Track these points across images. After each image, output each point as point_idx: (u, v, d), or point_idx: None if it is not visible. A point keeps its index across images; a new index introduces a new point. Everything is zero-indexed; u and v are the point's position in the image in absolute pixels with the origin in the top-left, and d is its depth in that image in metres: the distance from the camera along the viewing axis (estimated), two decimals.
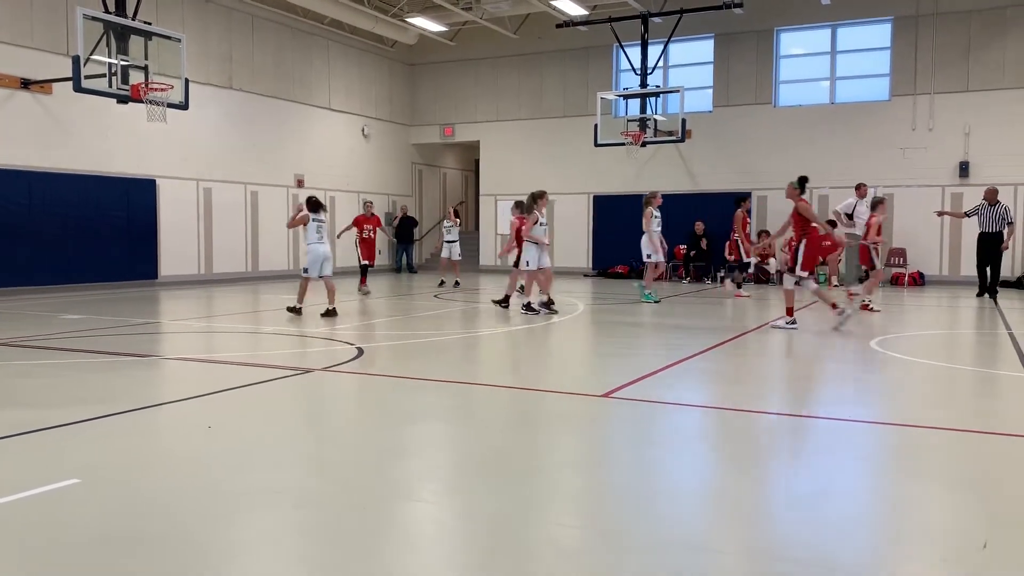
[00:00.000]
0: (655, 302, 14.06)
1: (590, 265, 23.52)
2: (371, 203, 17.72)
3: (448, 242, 18.47)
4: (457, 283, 17.97)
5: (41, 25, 15.66)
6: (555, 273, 23.77)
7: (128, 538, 3.41)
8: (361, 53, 24.08)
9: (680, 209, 21.83)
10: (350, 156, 23.90)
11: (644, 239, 14.51)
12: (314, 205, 11.86)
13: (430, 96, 26.09)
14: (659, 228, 14.51)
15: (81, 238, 16.33)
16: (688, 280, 20.74)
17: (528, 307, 12.26)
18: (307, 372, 7.34)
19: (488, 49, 24.54)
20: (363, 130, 24.33)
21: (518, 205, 13.44)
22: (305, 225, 11.77)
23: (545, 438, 5.31)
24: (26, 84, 15.41)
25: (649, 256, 14.53)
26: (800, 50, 21.59)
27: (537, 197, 12.28)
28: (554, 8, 20.65)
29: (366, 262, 16.31)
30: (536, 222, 12.23)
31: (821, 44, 21.24)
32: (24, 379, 7.14)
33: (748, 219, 16.48)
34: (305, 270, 12.02)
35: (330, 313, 11.52)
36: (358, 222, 16.40)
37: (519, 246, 12.65)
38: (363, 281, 16.26)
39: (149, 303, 14.22)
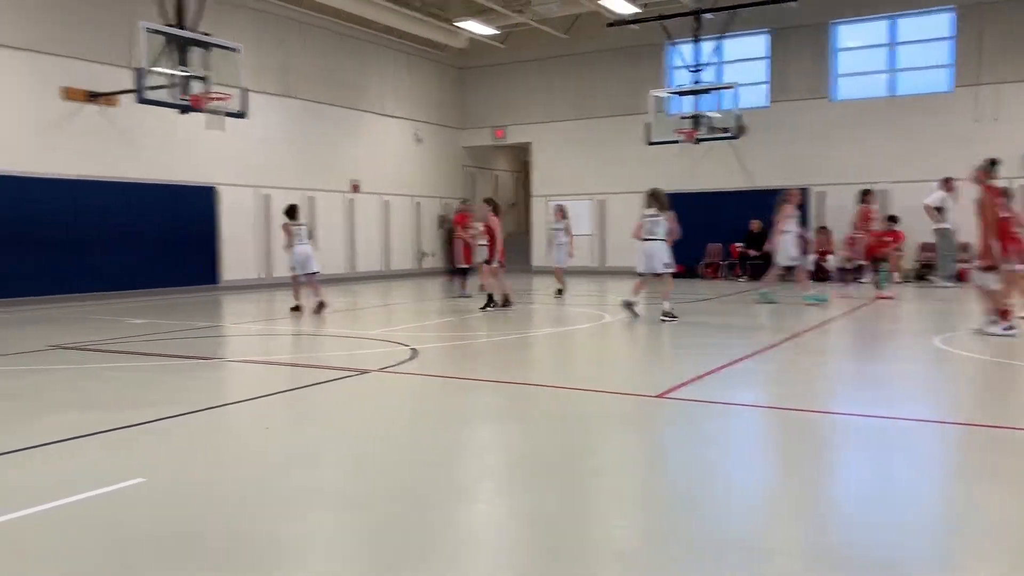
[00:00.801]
0: (821, 301, 13.14)
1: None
2: (468, 200, 17.28)
3: (558, 244, 16.02)
4: (560, 292, 15.69)
5: (106, 40, 16.16)
6: (608, 274, 23.79)
7: (190, 536, 3.51)
8: (413, 58, 24.31)
9: (735, 207, 21.56)
10: (403, 160, 24.15)
11: (785, 240, 13.45)
12: (290, 212, 13.21)
13: (481, 99, 26.21)
14: (795, 228, 13.52)
15: (145, 244, 16.80)
16: (745, 279, 20.44)
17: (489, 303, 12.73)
18: (363, 373, 7.44)
19: (538, 50, 24.55)
20: (415, 134, 24.56)
21: (488, 201, 13.44)
22: (290, 233, 13.00)
23: (600, 439, 5.30)
24: (93, 97, 15.92)
25: (790, 257, 13.44)
26: (857, 43, 21.11)
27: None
28: (604, 7, 20.56)
29: (465, 265, 15.71)
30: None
31: (879, 36, 20.75)
32: (93, 382, 7.38)
33: (872, 214, 14.69)
34: (293, 269, 13.17)
35: (320, 307, 12.69)
36: (458, 221, 16.03)
37: (492, 243, 12.88)
38: (463, 284, 15.73)
39: (211, 307, 14.56)
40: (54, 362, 8.33)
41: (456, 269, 15.92)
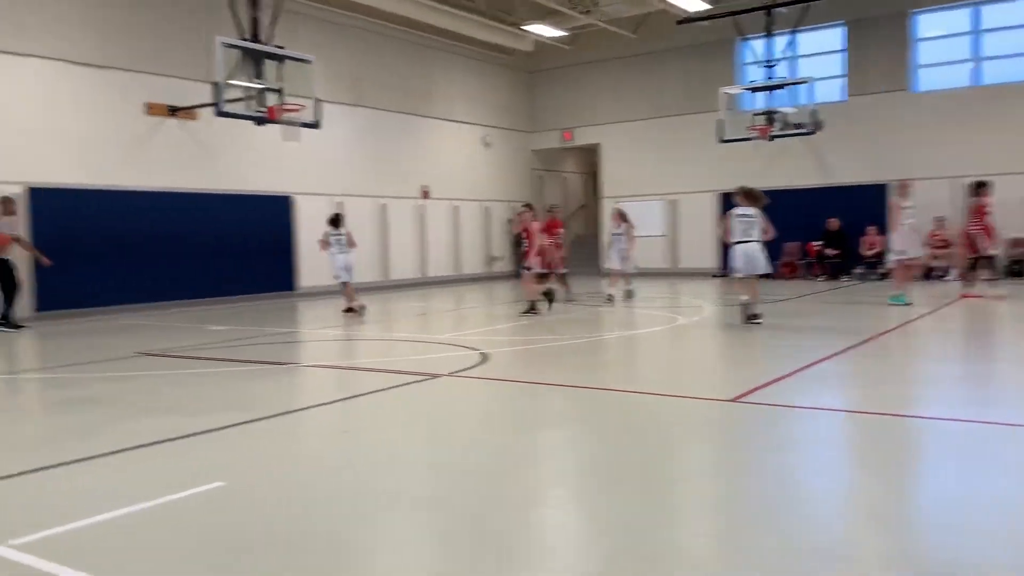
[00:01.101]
0: (906, 304, 12.40)
1: (718, 265, 22.96)
2: (557, 206, 16.67)
3: (619, 249, 15.64)
4: (611, 297, 15.10)
5: (185, 55, 16.73)
6: (681, 275, 23.48)
7: (268, 538, 3.58)
8: (481, 63, 24.46)
9: (812, 204, 21.04)
10: (472, 165, 24.31)
11: (894, 234, 12.88)
12: (332, 221, 14.05)
13: (549, 101, 26.20)
14: (912, 220, 12.86)
15: (225, 253, 17.31)
16: (823, 278, 19.91)
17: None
18: (434, 377, 7.50)
19: (606, 51, 24.41)
20: (484, 139, 24.70)
21: (528, 207, 13.30)
22: (328, 241, 13.91)
23: (673, 444, 5.21)
24: (173, 111, 16.50)
25: (903, 252, 12.76)
26: (938, 32, 20.35)
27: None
28: (673, 5, 20.32)
29: (548, 270, 15.00)
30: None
31: (961, 24, 19.96)
32: (176, 387, 7.62)
33: (986, 208, 13.64)
34: (336, 276, 14.13)
35: (352, 311, 13.61)
36: (546, 228, 15.36)
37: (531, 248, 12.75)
38: (566, 287, 15.21)
39: (288, 313, 14.91)
40: (140, 368, 8.64)
41: (543, 274, 15.60)
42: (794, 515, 3.74)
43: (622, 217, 15.55)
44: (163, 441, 5.32)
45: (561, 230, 15.29)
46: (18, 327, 12.68)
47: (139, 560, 3.36)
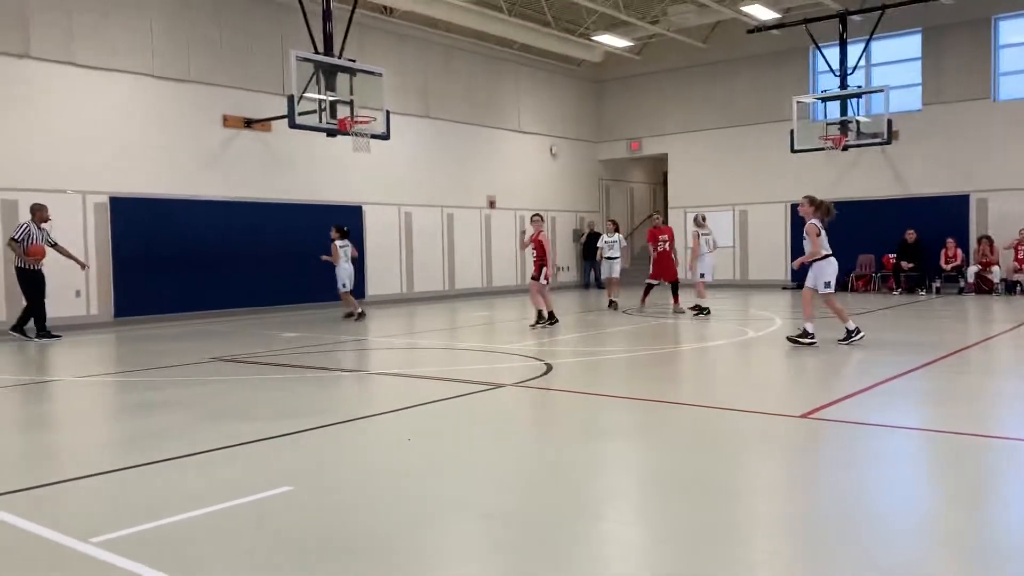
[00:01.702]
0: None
1: (789, 277, 22.50)
2: (658, 214, 16.50)
3: (609, 258, 16.31)
4: (612, 304, 15.68)
5: (261, 69, 17.22)
6: (751, 287, 23.07)
7: (333, 543, 3.65)
8: (549, 74, 24.54)
9: (888, 216, 20.48)
10: (538, 175, 24.37)
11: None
12: (341, 232, 15.08)
13: (617, 111, 26.11)
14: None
15: (297, 262, 17.69)
16: (899, 292, 19.33)
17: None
18: (498, 387, 7.53)
19: (675, 60, 24.23)
20: (551, 149, 24.74)
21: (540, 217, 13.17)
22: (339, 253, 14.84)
23: (739, 459, 5.12)
24: (249, 124, 16.99)
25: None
26: (1023, 38, 19.61)
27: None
28: (744, 14, 20.07)
29: (657, 281, 15.18)
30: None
31: None
32: (248, 392, 7.83)
33: None
34: (344, 285, 15.00)
35: (360, 316, 14.77)
36: (651, 237, 15.43)
37: (541, 258, 12.63)
38: (675, 299, 14.96)
39: (356, 321, 15.15)
40: (214, 373, 8.90)
41: (650, 284, 15.25)
42: (864, 535, 3.64)
43: (616, 227, 16.39)
44: (236, 445, 5.47)
45: (664, 237, 15.05)
46: (44, 336, 12.61)
47: (209, 560, 3.46)
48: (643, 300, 15.16)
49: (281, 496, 4.32)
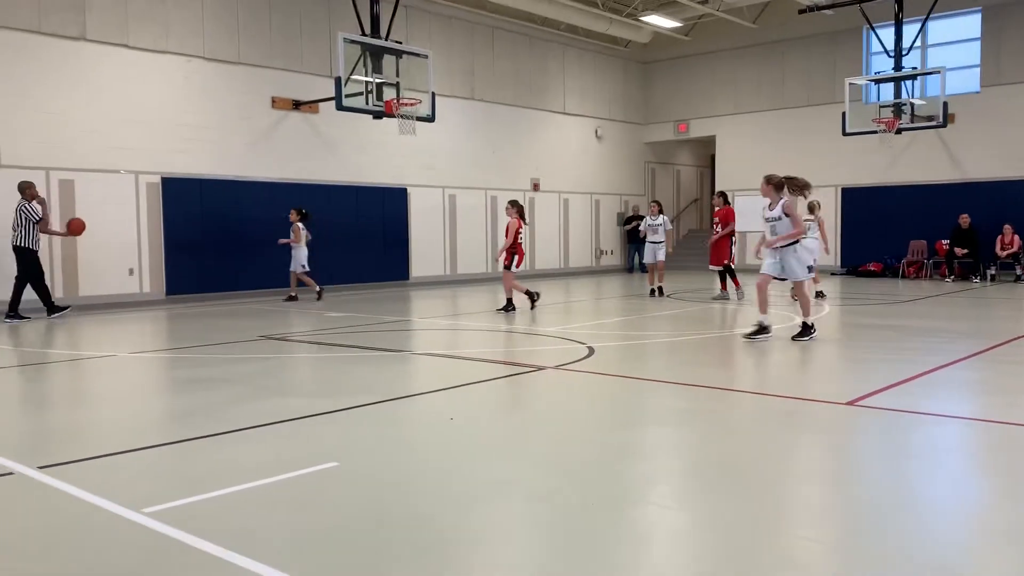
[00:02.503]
0: None
1: (838, 263, 22.13)
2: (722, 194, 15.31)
3: (652, 242, 15.47)
4: (655, 291, 15.20)
5: (309, 51, 17.38)
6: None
7: (378, 518, 3.71)
8: (595, 55, 24.34)
9: (942, 201, 20.01)
10: (583, 158, 24.24)
11: None
12: (302, 215, 15.03)
13: (664, 93, 25.82)
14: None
15: (343, 243, 17.90)
16: (952, 279, 18.88)
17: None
18: (540, 369, 7.55)
19: (725, 41, 23.86)
20: (596, 131, 24.58)
21: (513, 204, 12.87)
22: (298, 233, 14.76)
23: (784, 446, 5.08)
24: (297, 105, 17.16)
25: None
26: None
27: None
28: None
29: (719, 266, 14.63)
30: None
31: None
32: (296, 370, 7.97)
33: None
34: (304, 266, 15.12)
35: (300, 295, 15.31)
36: (725, 218, 14.69)
37: (513, 248, 12.51)
38: (723, 286, 14.66)
39: (401, 302, 15.30)
40: (263, 351, 9.07)
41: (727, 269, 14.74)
42: (910, 526, 3.59)
43: (660, 209, 15.84)
44: (283, 421, 5.58)
45: (716, 219, 14.70)
46: (56, 312, 12.64)
47: (256, 533, 3.55)
48: (723, 287, 14.66)
49: (328, 471, 4.40)
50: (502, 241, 13.57)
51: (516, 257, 12.62)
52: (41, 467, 4.51)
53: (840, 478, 4.41)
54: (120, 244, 14.75)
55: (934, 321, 11.39)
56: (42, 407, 6.69)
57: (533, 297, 12.93)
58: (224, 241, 16.10)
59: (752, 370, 8.07)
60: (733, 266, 14.73)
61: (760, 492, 4.07)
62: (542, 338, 10.00)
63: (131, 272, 15.04)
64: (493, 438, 5.27)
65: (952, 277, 18.96)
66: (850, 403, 5.92)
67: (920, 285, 17.61)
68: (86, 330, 11.39)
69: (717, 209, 14.95)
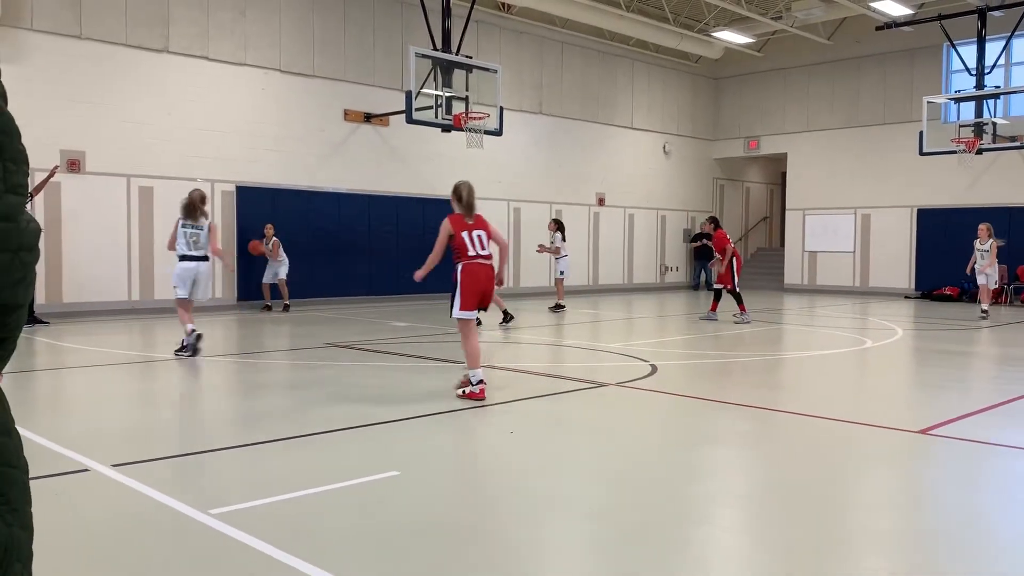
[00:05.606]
0: None
1: (912, 286, 21.48)
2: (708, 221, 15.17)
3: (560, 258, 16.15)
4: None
5: (381, 65, 17.71)
6: (871, 294, 22.16)
7: (438, 529, 3.74)
8: (664, 70, 24.20)
9: None
10: (650, 173, 24.08)
11: None
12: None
13: (734, 109, 25.51)
14: None
15: (410, 254, 18.08)
16: None
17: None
18: (601, 386, 7.51)
19: (798, 57, 23.48)
20: (664, 147, 24.40)
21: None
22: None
23: (850, 473, 4.94)
24: (368, 118, 17.49)
25: None
26: None
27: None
28: (874, 9, 19.23)
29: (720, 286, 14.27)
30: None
31: None
32: (358, 378, 8.08)
33: None
34: (279, 276, 15.33)
35: (286, 308, 15.27)
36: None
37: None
38: (741, 307, 13.92)
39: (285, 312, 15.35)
40: (329, 359, 9.23)
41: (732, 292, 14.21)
42: (981, 558, 3.45)
43: (556, 226, 16.10)
44: (345, 428, 5.66)
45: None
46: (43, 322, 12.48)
47: (318, 537, 3.60)
48: (742, 308, 14.08)
49: (389, 480, 4.45)
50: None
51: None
52: (115, 465, 4.67)
53: (909, 507, 4.27)
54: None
55: (1014, 349, 10.95)
56: (118, 406, 6.92)
57: (507, 317, 12.94)
58: (295, 249, 16.45)
59: (821, 394, 7.88)
60: (725, 289, 14.03)
61: (824, 518, 3.96)
62: (604, 354, 9.94)
63: None
64: (552, 454, 5.25)
65: None
66: (923, 431, 5.73)
67: (1000, 311, 16.96)
68: (159, 333, 11.75)
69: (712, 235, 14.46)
